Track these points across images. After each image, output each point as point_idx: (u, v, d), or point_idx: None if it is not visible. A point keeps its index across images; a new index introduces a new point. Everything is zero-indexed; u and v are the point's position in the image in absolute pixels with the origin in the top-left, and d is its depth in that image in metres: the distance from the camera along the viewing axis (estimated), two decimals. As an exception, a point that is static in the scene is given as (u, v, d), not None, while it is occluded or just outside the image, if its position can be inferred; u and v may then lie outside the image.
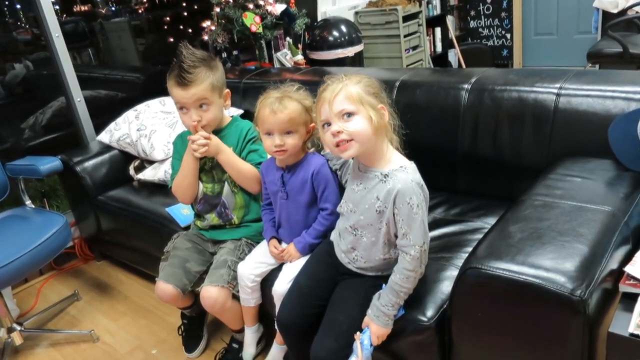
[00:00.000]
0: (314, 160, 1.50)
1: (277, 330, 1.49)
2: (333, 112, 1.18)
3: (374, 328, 1.25)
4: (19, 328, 2.03)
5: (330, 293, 1.36)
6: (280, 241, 1.59)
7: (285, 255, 1.55)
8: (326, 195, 1.48)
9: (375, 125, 1.17)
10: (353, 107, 1.18)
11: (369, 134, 1.18)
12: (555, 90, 1.60)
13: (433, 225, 1.63)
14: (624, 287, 1.04)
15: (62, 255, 2.41)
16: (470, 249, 1.25)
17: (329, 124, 1.20)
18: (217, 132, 1.66)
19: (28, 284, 2.53)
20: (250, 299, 1.61)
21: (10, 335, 2.01)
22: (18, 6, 3.82)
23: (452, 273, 1.35)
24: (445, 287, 1.33)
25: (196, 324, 1.92)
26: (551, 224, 1.17)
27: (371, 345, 1.26)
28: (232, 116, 1.74)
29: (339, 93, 1.19)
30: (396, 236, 1.24)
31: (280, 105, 1.41)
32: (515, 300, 1.07)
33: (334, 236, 1.44)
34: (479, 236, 1.35)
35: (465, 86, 1.78)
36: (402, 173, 1.21)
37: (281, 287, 1.48)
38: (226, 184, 1.68)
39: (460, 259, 1.41)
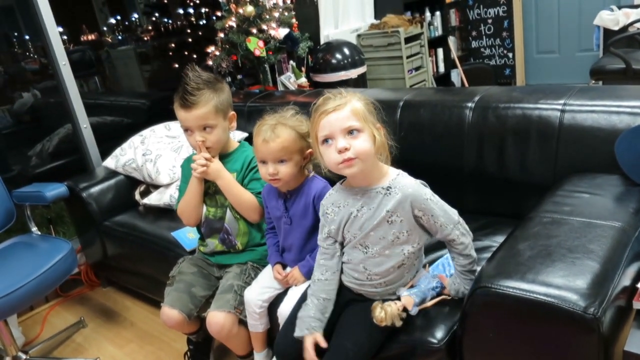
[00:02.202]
0: (314, 184, 1.49)
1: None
2: (339, 127, 1.14)
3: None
4: (24, 357, 2.01)
5: (331, 321, 1.33)
6: (285, 266, 1.58)
7: (289, 279, 1.53)
8: None
9: (377, 145, 1.16)
10: (359, 125, 1.14)
11: (371, 154, 1.16)
12: (560, 107, 1.60)
13: (440, 245, 1.61)
14: (639, 305, 1.02)
15: (68, 282, 2.40)
16: (479, 268, 1.24)
17: (331, 139, 1.16)
18: (223, 156, 1.66)
19: (34, 312, 2.51)
20: (258, 324, 1.59)
21: (15, 364, 1.99)
22: (27, 37, 3.90)
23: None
24: (456, 308, 1.30)
25: (202, 350, 1.90)
26: (560, 241, 1.16)
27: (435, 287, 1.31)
28: (239, 141, 1.74)
29: (345, 108, 1.15)
30: (428, 234, 1.27)
31: (272, 134, 1.40)
32: (526, 319, 1.05)
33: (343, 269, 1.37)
34: (488, 255, 1.33)
35: (469, 104, 1.79)
36: (403, 179, 1.23)
37: (287, 310, 1.46)
38: (228, 210, 1.68)
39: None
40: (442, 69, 4.50)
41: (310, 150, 1.44)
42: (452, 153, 1.81)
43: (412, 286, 1.30)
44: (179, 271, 1.74)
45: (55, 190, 2.11)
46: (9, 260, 2.00)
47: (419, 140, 1.89)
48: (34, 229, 2.20)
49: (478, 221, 1.73)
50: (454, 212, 1.24)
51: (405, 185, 1.21)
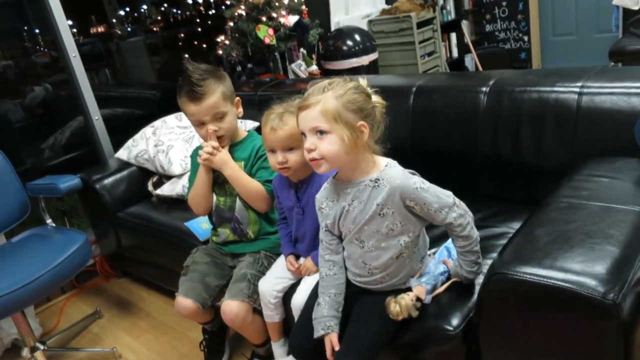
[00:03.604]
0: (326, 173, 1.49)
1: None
2: (308, 126, 1.15)
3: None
4: (42, 347, 2.05)
5: (345, 314, 1.33)
6: (298, 256, 1.58)
7: (302, 269, 1.54)
8: None
9: (348, 146, 1.13)
10: (327, 126, 1.13)
11: (339, 155, 1.15)
12: (577, 89, 1.57)
13: (445, 234, 1.59)
14: (659, 290, 1.00)
15: (83, 273, 2.44)
16: (495, 255, 1.23)
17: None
18: (232, 145, 1.67)
19: (50, 303, 2.56)
20: (274, 314, 1.60)
21: (33, 355, 2.03)
22: (37, 30, 3.93)
23: (477, 280, 1.32)
24: (471, 294, 1.30)
25: (217, 339, 1.92)
26: (579, 226, 1.14)
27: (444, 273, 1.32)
28: (248, 130, 1.75)
29: (315, 108, 1.14)
30: (424, 220, 1.23)
31: (280, 122, 1.41)
32: (544, 306, 1.04)
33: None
34: (504, 241, 1.32)
35: (484, 89, 1.76)
36: (390, 169, 1.20)
37: (300, 300, 1.47)
38: (238, 199, 1.68)
39: (486, 265, 1.37)
40: (455, 54, 4.44)
41: None
42: (466, 139, 1.79)
43: (421, 275, 1.29)
44: (192, 261, 1.76)
45: (68, 182, 2.13)
46: (25, 253, 2.03)
47: (433, 127, 1.88)
48: (49, 221, 2.23)
49: (493, 207, 1.72)
50: (448, 195, 1.21)
51: (392, 176, 1.18)
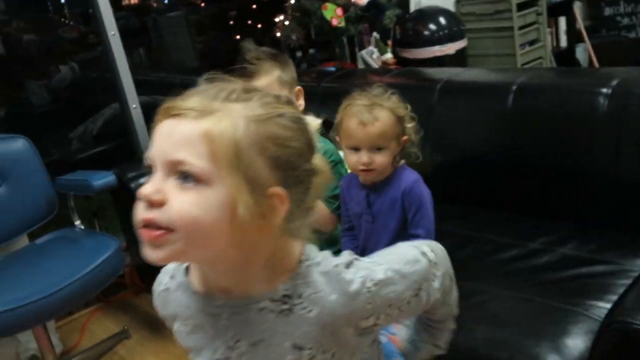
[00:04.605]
0: (404, 176, 1.51)
1: None
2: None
3: None
4: (63, 366, 2.17)
5: None
6: None
7: None
8: (418, 218, 1.48)
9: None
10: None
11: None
12: None
13: (562, 264, 1.59)
14: None
15: (110, 285, 2.56)
16: (614, 297, 1.22)
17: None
18: None
19: (72, 317, 2.70)
20: None
21: (53, 376, 2.16)
22: (63, 0, 4.15)
23: (589, 326, 1.32)
24: (580, 343, 1.29)
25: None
26: None
27: None
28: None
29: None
30: None
31: (370, 116, 1.42)
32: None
33: None
34: (626, 281, 1.31)
35: (604, 90, 1.74)
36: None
37: None
38: None
39: (601, 308, 1.37)
40: (563, 43, 4.35)
41: (406, 137, 1.48)
42: (578, 151, 1.78)
43: None
44: None
45: (102, 179, 2.25)
46: (50, 258, 2.16)
47: (535, 136, 1.87)
48: (77, 222, 2.36)
49: (610, 237, 1.70)
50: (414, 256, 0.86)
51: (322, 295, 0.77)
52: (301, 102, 1.71)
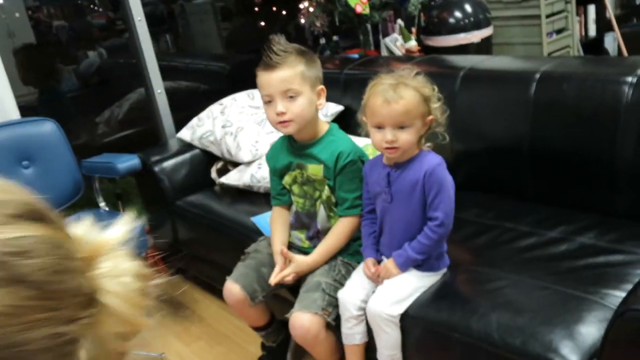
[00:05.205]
0: (428, 158, 1.53)
1: None
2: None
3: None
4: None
5: None
6: (379, 261, 1.63)
7: (382, 272, 1.59)
8: (438, 202, 1.51)
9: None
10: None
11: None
12: None
13: (580, 253, 1.59)
14: None
15: (133, 267, 2.63)
16: (630, 287, 1.22)
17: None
18: (309, 145, 1.75)
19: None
20: (355, 333, 1.63)
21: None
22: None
23: (604, 314, 1.32)
24: (594, 331, 1.30)
25: (277, 357, 2.00)
26: None
27: None
28: (330, 123, 1.82)
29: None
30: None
31: (395, 94, 1.46)
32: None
33: None
34: (643, 270, 1.30)
35: (629, 79, 1.73)
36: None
37: (377, 307, 1.53)
38: (322, 208, 1.77)
39: (616, 297, 1.37)
40: (592, 32, 4.28)
41: (432, 116, 1.50)
42: (602, 140, 1.77)
43: None
44: (255, 249, 1.89)
45: (127, 162, 2.30)
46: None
47: (559, 124, 1.86)
48: (102, 204, 2.42)
49: (632, 227, 1.69)
50: None
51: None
52: (322, 102, 1.74)
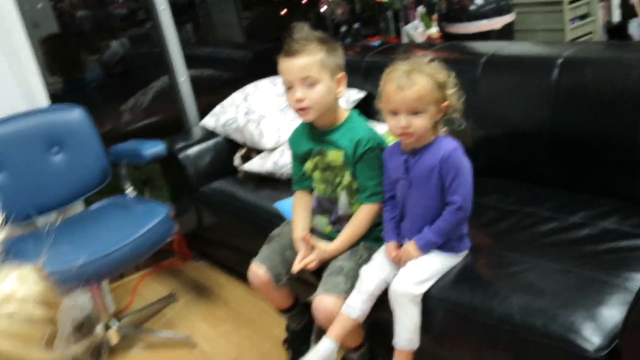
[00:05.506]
0: (444, 143, 1.56)
1: None
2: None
3: None
4: (116, 325, 2.30)
5: None
6: (400, 245, 1.66)
7: (403, 255, 1.62)
8: (455, 186, 1.53)
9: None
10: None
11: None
12: None
13: (602, 237, 1.60)
14: None
15: (159, 252, 2.68)
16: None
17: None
18: (329, 131, 1.78)
19: (124, 280, 2.84)
20: (356, 307, 1.63)
21: (107, 332, 2.29)
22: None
23: (626, 298, 1.34)
24: (615, 313, 1.32)
25: (301, 339, 2.04)
26: None
27: None
28: (350, 110, 1.84)
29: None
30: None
31: (408, 81, 1.48)
32: None
33: None
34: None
35: (652, 64, 1.72)
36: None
37: (400, 286, 1.55)
38: (343, 194, 1.80)
39: (637, 281, 1.39)
40: (616, 17, 4.23)
41: (447, 102, 1.52)
42: (624, 126, 1.77)
43: None
44: (279, 233, 1.93)
45: (153, 148, 2.35)
46: (104, 222, 2.29)
47: (581, 110, 1.87)
48: (129, 190, 2.47)
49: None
50: None
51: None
52: (342, 90, 1.76)
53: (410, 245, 1.61)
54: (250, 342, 2.24)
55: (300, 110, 1.72)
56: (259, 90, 2.70)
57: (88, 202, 2.52)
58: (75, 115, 2.39)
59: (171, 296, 2.61)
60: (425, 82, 1.48)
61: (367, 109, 2.14)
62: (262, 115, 2.53)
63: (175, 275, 2.83)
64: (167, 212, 2.22)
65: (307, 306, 1.91)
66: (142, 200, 2.47)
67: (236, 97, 2.71)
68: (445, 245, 1.61)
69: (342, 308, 1.67)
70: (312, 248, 1.78)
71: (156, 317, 2.53)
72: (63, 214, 2.39)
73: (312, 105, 1.70)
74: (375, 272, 1.66)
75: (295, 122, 2.30)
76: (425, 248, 1.59)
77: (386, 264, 1.67)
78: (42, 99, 2.40)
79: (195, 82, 2.99)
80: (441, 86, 1.50)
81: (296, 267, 1.77)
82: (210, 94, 2.95)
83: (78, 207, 2.48)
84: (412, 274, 1.57)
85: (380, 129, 1.89)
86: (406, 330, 1.58)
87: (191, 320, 2.45)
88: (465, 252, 1.65)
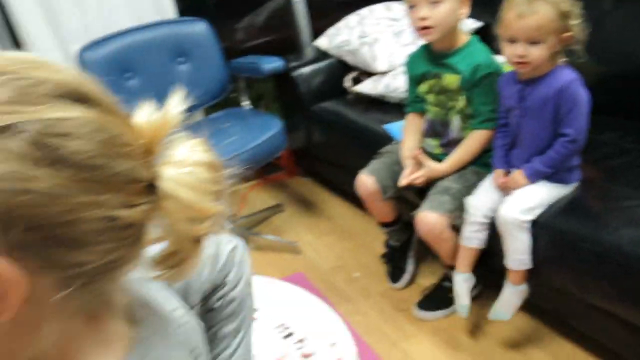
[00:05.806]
0: (562, 75, 1.54)
1: None
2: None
3: None
4: (230, 225, 2.49)
5: None
6: (508, 172, 1.69)
7: (510, 182, 1.65)
8: (570, 118, 1.53)
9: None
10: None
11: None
12: None
13: None
14: None
15: (267, 165, 2.85)
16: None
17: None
18: (448, 55, 1.79)
19: (234, 188, 3.03)
20: (474, 238, 1.71)
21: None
22: None
23: None
24: None
25: (399, 256, 2.15)
26: None
27: None
28: (471, 34, 1.84)
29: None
30: None
31: (528, 9, 1.46)
32: None
33: None
34: None
35: None
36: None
37: (508, 212, 1.59)
38: (456, 118, 1.84)
39: None
40: None
41: (569, 33, 1.49)
42: None
43: None
44: (390, 149, 2.02)
45: (272, 63, 2.46)
46: (222, 130, 2.44)
47: None
48: (246, 102, 2.61)
49: None
50: None
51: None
52: (464, 11, 1.75)
53: (518, 174, 1.63)
54: (351, 253, 2.38)
55: (423, 30, 1.73)
56: (373, 14, 2.72)
57: (207, 112, 2.69)
58: (200, 28, 2.53)
59: (279, 206, 2.77)
60: (547, 10, 1.45)
61: (484, 40, 2.11)
62: (375, 39, 2.56)
63: (282, 189, 3.00)
64: (281, 126, 2.34)
65: (407, 225, 2.00)
66: (258, 113, 2.60)
67: (350, 19, 2.74)
68: (553, 175, 1.62)
69: (461, 241, 1.75)
70: (420, 165, 1.84)
71: (264, 223, 2.71)
72: (185, 122, 2.56)
73: (436, 25, 1.71)
74: (482, 201, 1.70)
75: (409, 47, 2.33)
76: (533, 177, 1.61)
77: (492, 191, 1.71)
78: (170, 11, 2.55)
79: (311, 3, 3.03)
80: (564, 16, 1.46)
81: (403, 181, 1.85)
82: (325, 17, 2.98)
83: (198, 115, 2.66)
84: (519, 202, 1.60)
85: (499, 59, 1.89)
86: (517, 251, 1.62)
87: (296, 230, 2.61)
88: (575, 184, 1.66)
